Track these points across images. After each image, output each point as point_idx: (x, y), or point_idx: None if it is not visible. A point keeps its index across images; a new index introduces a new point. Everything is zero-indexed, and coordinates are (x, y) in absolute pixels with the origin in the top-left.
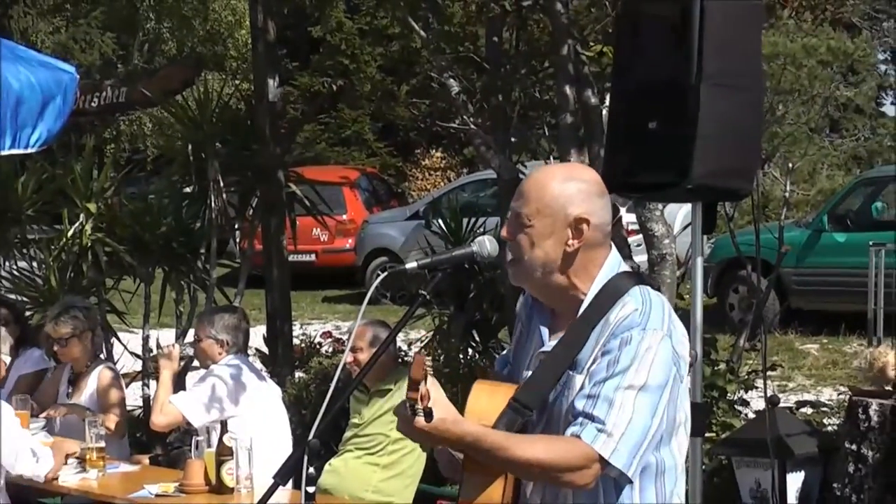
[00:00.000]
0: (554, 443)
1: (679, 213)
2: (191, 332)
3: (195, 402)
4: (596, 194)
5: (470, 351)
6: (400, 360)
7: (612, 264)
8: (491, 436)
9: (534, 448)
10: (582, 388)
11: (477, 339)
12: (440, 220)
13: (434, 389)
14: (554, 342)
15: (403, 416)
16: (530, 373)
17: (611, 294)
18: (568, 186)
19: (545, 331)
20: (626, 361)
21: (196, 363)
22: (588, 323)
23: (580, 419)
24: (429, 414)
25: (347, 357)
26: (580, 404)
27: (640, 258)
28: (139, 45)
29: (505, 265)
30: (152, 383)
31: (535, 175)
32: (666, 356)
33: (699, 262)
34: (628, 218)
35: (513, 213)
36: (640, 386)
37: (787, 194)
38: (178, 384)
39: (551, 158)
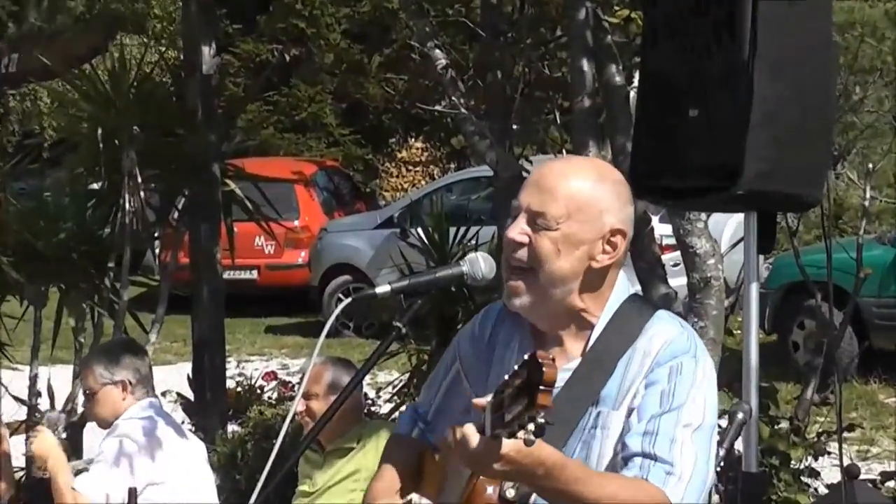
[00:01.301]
0: (626, 484)
1: (728, 227)
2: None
3: (109, 482)
4: (630, 199)
5: None
6: (366, 410)
7: (624, 286)
8: (571, 465)
9: (608, 487)
10: (626, 426)
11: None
12: (420, 230)
13: None
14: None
15: (492, 441)
16: None
17: (628, 319)
18: (605, 188)
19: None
20: (683, 395)
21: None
22: (610, 352)
23: (640, 460)
24: (541, 430)
25: (298, 406)
26: (635, 443)
27: (678, 282)
28: (36, 1)
29: (506, 276)
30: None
31: (560, 168)
32: (715, 390)
33: (754, 288)
34: (662, 230)
35: (528, 211)
36: (698, 424)
37: (866, 202)
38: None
39: (563, 153)
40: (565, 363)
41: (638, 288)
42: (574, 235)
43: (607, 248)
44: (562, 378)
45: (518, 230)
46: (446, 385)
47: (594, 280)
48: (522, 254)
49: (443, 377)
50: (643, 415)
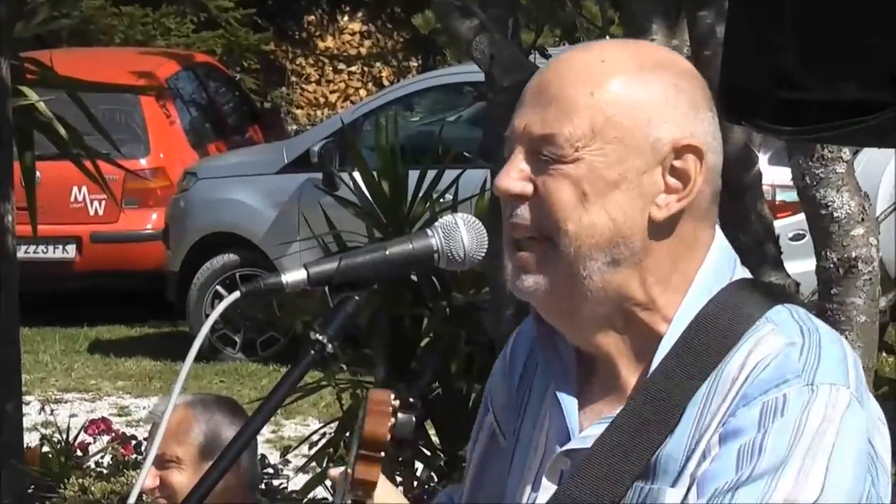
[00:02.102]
0: None
1: (885, 173)
2: None
3: None
4: (706, 104)
5: (419, 467)
6: (262, 484)
7: (721, 260)
8: None
9: None
10: None
11: (436, 441)
12: (358, 175)
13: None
14: (597, 427)
15: None
16: (543, 496)
17: (726, 320)
18: (654, 81)
19: (569, 403)
20: (779, 450)
21: None
22: (678, 381)
23: None
24: None
25: (146, 479)
26: None
27: (801, 266)
28: None
29: (506, 252)
30: None
31: (574, 59)
32: (857, 444)
33: None
34: (775, 177)
35: (528, 138)
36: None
37: None
38: None
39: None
40: (619, 406)
41: None
42: (609, 166)
43: (673, 180)
44: (596, 432)
45: (512, 174)
46: (481, 449)
47: (662, 246)
48: (524, 212)
49: (475, 438)
50: (705, 489)
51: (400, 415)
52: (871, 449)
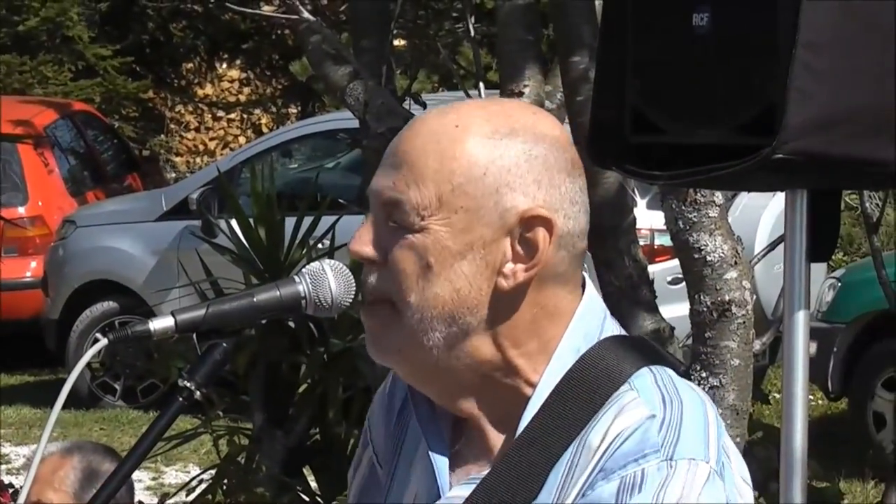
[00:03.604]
0: None
1: (763, 218)
2: None
3: None
4: (562, 168)
5: None
6: None
7: (589, 320)
8: None
9: None
10: None
11: (314, 487)
12: (235, 222)
13: None
14: (464, 488)
15: None
16: None
17: (591, 384)
18: (506, 146)
19: (440, 462)
20: None
21: None
22: (543, 446)
23: None
24: None
25: None
26: None
27: (676, 310)
28: None
29: (363, 316)
30: None
31: (430, 122)
32: None
33: (801, 322)
34: (653, 222)
35: (382, 201)
36: None
37: None
38: None
39: (482, 92)
40: (486, 467)
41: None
42: (455, 236)
43: (521, 249)
44: (463, 493)
45: (363, 237)
46: (361, 482)
47: (513, 313)
48: (374, 278)
49: (353, 474)
50: None
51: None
52: None
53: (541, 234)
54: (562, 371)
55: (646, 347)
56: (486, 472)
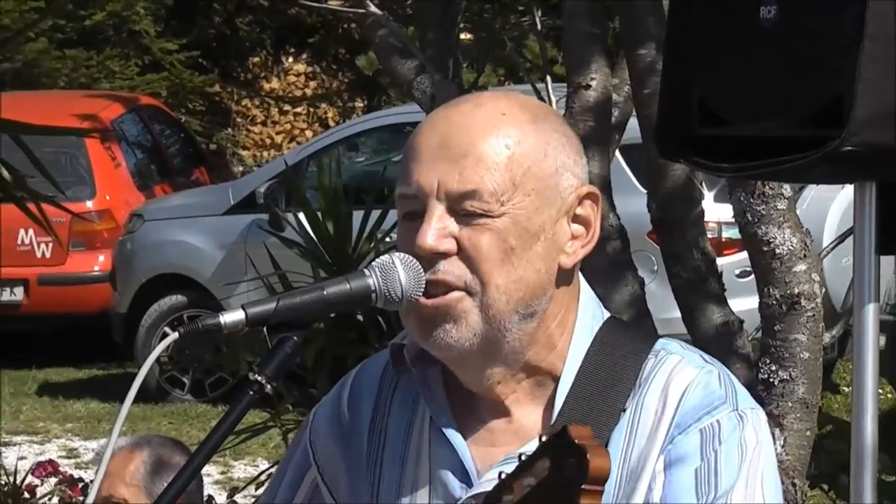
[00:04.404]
0: None
1: (832, 210)
2: None
3: None
4: (580, 148)
5: None
6: None
7: (591, 305)
8: None
9: None
10: None
11: None
12: (303, 216)
13: None
14: (505, 467)
15: None
16: None
17: (614, 360)
18: (547, 130)
19: (458, 441)
20: (731, 472)
21: None
22: (587, 416)
23: None
24: None
25: None
26: None
27: (745, 303)
28: None
29: (424, 307)
30: None
31: (477, 110)
32: (774, 459)
33: (871, 314)
34: (718, 214)
35: (445, 195)
36: None
37: None
38: None
39: (549, 85)
40: (516, 448)
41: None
42: (530, 218)
43: (576, 227)
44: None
45: (434, 232)
46: (297, 499)
47: (563, 290)
48: (448, 267)
49: (279, 480)
50: None
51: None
52: None
53: (590, 209)
54: (583, 347)
55: (634, 324)
56: (519, 450)
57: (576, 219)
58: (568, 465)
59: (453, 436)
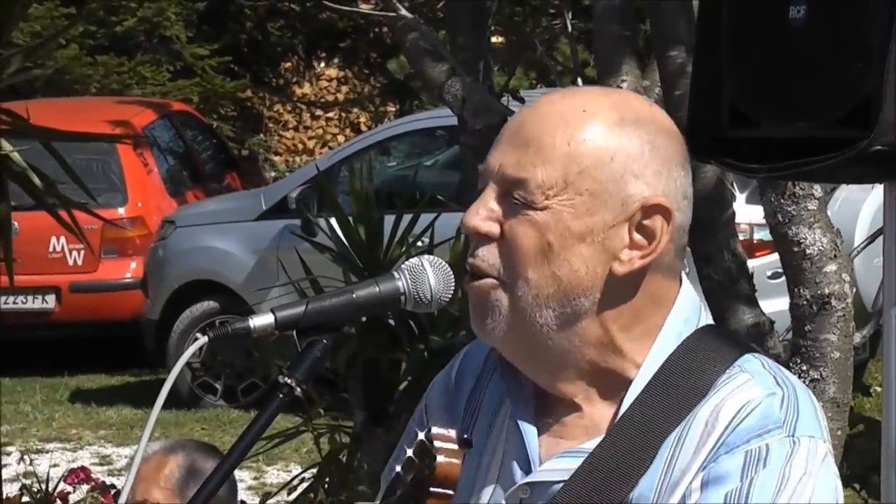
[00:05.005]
0: None
1: (863, 211)
2: None
3: None
4: (678, 161)
5: None
6: None
7: (688, 310)
8: None
9: None
10: None
11: None
12: (334, 220)
13: None
14: (558, 461)
15: None
16: None
17: (691, 371)
18: (632, 136)
19: (530, 433)
20: (764, 498)
21: None
22: (653, 426)
23: None
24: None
25: None
26: None
27: (776, 304)
28: None
29: (468, 289)
30: None
31: (554, 105)
32: (833, 495)
33: None
34: (750, 215)
35: (501, 178)
36: None
37: None
38: None
39: (579, 83)
40: (580, 443)
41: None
42: (577, 217)
43: (638, 237)
44: (566, 468)
45: (481, 212)
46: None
47: (624, 298)
48: (486, 254)
49: (398, 454)
50: None
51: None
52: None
53: (659, 222)
54: (664, 354)
55: (740, 336)
56: (580, 446)
57: (640, 229)
58: (427, 466)
59: (525, 427)
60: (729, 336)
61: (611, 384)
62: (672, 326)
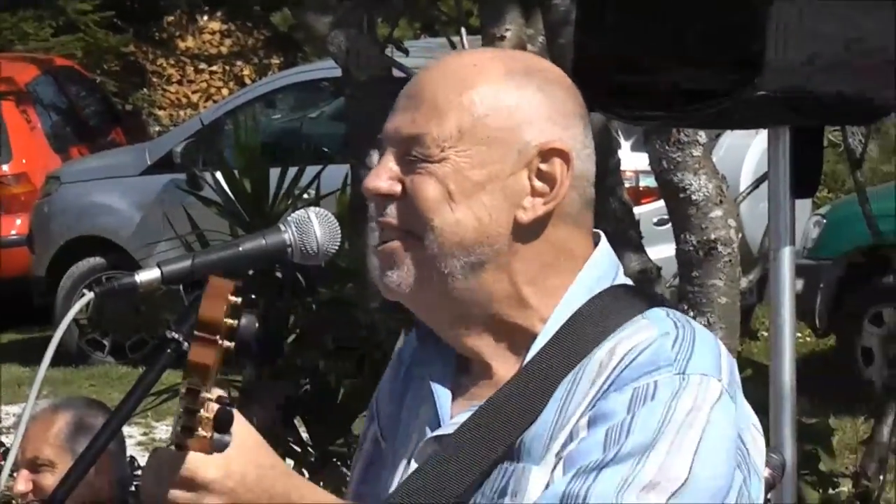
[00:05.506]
0: None
1: (748, 156)
2: None
3: None
4: (574, 112)
5: (290, 463)
6: (132, 486)
7: (604, 268)
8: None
9: None
10: (547, 488)
11: (306, 438)
12: (220, 174)
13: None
14: (465, 415)
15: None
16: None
17: (598, 321)
18: (522, 87)
19: (442, 393)
20: (647, 432)
21: None
22: (547, 372)
23: None
24: (226, 424)
25: (20, 484)
26: None
27: (662, 251)
28: None
29: (371, 254)
30: None
31: (446, 64)
32: (727, 433)
33: (787, 258)
34: (636, 163)
35: (398, 139)
36: (673, 489)
37: None
38: None
39: (464, 38)
40: (485, 398)
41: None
42: (475, 167)
43: (539, 184)
44: (465, 419)
45: (382, 174)
46: (363, 461)
47: (530, 249)
48: (392, 210)
49: (358, 453)
50: (570, 468)
51: (243, 318)
52: (741, 446)
53: (558, 166)
54: (572, 309)
55: (657, 296)
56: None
57: (540, 175)
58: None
59: (437, 388)
60: (643, 293)
61: (520, 340)
62: (582, 283)
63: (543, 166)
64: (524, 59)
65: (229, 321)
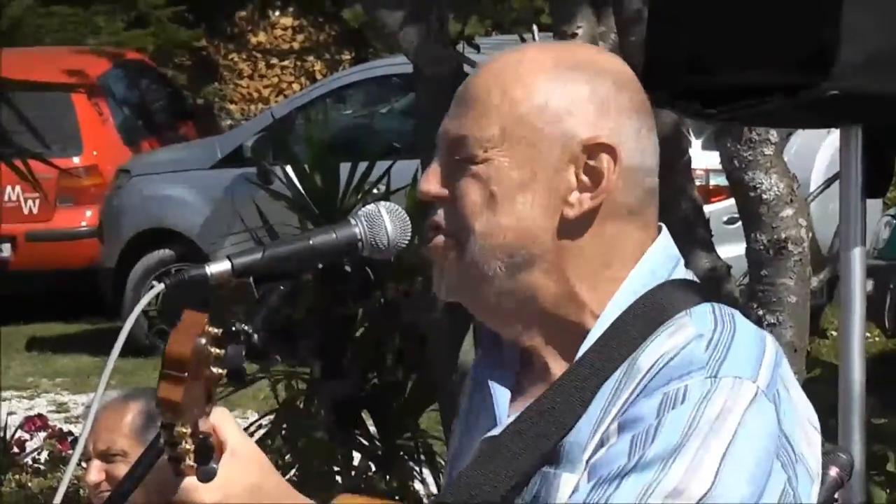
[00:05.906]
0: None
1: (819, 155)
2: None
3: None
4: (626, 105)
5: (357, 457)
6: None
7: (657, 260)
8: None
9: None
10: (572, 496)
11: (373, 431)
12: (290, 169)
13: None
14: (516, 416)
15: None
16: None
17: (650, 315)
18: (567, 79)
19: (500, 393)
20: (673, 437)
21: None
22: (591, 374)
23: None
24: (205, 457)
25: (92, 474)
26: None
27: (733, 249)
28: None
29: (427, 254)
30: None
31: (499, 62)
32: (761, 437)
33: (858, 258)
34: (706, 161)
35: (448, 140)
36: (700, 491)
37: None
38: None
39: (535, 33)
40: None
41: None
42: (520, 166)
43: (585, 178)
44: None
45: (430, 177)
46: (460, 425)
47: (580, 245)
48: (441, 213)
49: (464, 406)
50: (594, 475)
51: (229, 348)
52: (787, 446)
53: (605, 161)
54: (624, 305)
55: (713, 291)
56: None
57: (587, 171)
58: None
59: (495, 387)
60: (695, 287)
61: (572, 338)
62: (636, 278)
63: (590, 161)
64: (578, 51)
65: (216, 350)
